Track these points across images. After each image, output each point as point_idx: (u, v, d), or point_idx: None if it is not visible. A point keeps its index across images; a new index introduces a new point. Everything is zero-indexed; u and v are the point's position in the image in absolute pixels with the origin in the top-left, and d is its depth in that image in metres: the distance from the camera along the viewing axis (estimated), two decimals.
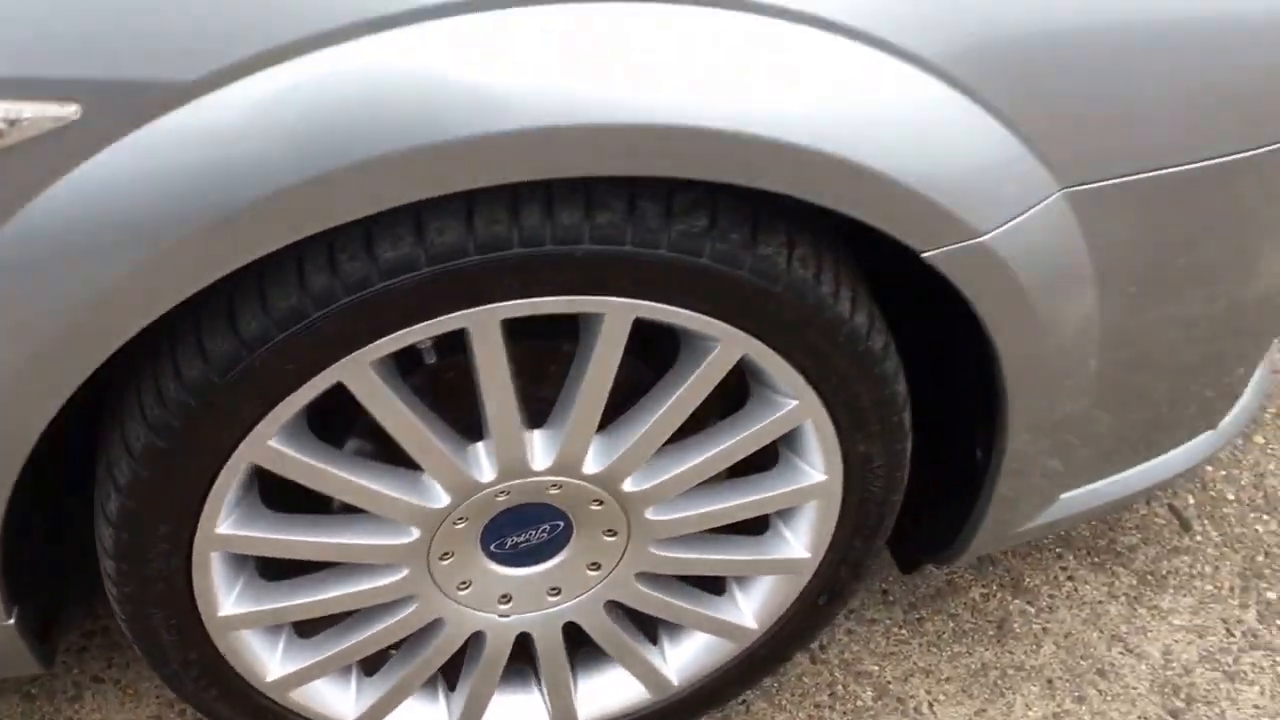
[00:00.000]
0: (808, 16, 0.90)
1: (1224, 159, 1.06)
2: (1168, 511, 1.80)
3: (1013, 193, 1.00)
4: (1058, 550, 1.74)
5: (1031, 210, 1.01)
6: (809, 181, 0.94)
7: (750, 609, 1.32)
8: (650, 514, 1.18)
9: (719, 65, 0.89)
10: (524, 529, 1.18)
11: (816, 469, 1.18)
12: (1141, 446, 1.37)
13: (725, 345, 1.05)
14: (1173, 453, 1.41)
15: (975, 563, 1.73)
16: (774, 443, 1.19)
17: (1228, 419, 1.47)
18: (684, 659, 1.36)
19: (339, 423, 1.13)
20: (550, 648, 1.29)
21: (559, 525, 1.19)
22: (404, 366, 1.06)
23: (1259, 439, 1.93)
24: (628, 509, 1.17)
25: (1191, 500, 1.83)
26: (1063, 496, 1.36)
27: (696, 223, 0.97)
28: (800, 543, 1.26)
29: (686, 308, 1.00)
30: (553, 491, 1.14)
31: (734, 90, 0.89)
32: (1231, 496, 1.84)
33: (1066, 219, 1.05)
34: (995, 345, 1.09)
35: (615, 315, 1.00)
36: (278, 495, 1.11)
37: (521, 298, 0.97)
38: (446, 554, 1.16)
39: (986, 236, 1.00)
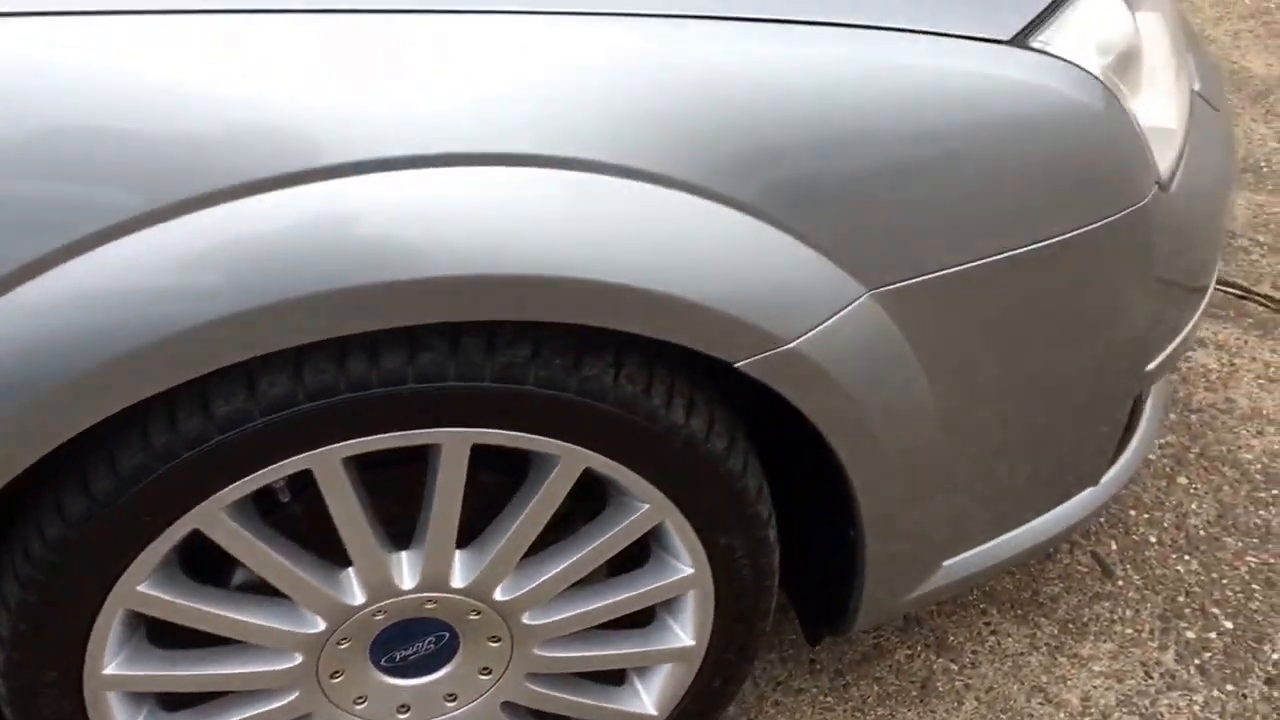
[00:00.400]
0: (603, 165, 0.97)
1: (1014, 253, 1.12)
2: (1090, 559, 1.84)
3: (816, 301, 1.06)
4: (981, 605, 1.78)
5: (839, 314, 1.07)
6: (615, 311, 1.00)
7: (650, 697, 1.37)
8: (528, 619, 1.23)
9: (526, 217, 0.96)
10: (410, 642, 1.24)
11: (684, 563, 1.23)
12: (1018, 510, 1.41)
13: (566, 460, 1.10)
14: (1056, 511, 1.46)
15: (902, 623, 1.76)
16: (646, 538, 1.24)
17: (1111, 472, 1.51)
18: None
19: (225, 555, 1.20)
20: None
21: (444, 636, 1.24)
22: (267, 503, 1.13)
23: (1182, 479, 1.96)
24: (505, 616, 1.22)
25: (1114, 545, 1.87)
26: (945, 564, 1.40)
27: (519, 353, 1.03)
28: (685, 631, 1.31)
29: (520, 430, 1.07)
30: (429, 606, 1.19)
31: (536, 238, 0.95)
32: (1154, 539, 1.87)
33: (880, 318, 1.10)
34: (828, 440, 1.15)
35: (451, 444, 1.06)
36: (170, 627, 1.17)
37: (356, 437, 1.03)
38: (337, 673, 1.22)
39: (794, 343, 1.05)
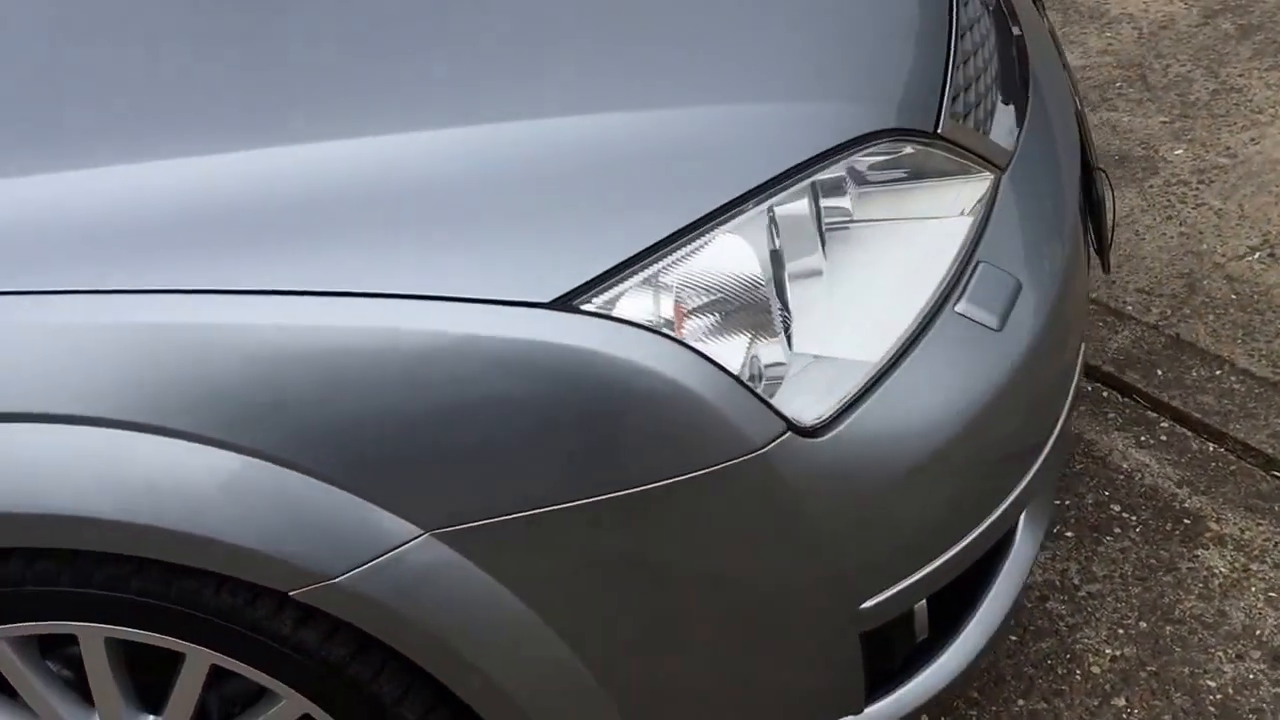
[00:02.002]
0: (146, 426, 1.14)
1: (585, 501, 1.17)
2: None
3: (361, 540, 1.16)
4: None
5: (391, 553, 1.16)
6: (169, 548, 1.17)
7: None
8: None
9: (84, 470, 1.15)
10: None
11: None
12: None
13: (191, 657, 1.27)
14: None
15: None
16: None
17: (882, 705, 1.44)
18: None
19: None
20: None
21: None
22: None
23: (1119, 700, 1.77)
24: None
25: None
26: None
27: (125, 565, 1.22)
28: None
29: (135, 626, 1.24)
30: None
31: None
32: None
33: (451, 557, 1.18)
34: (430, 671, 1.24)
35: (86, 636, 1.26)
36: None
37: (31, 621, 1.26)
38: None
39: (340, 578, 1.16)
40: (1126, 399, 2.25)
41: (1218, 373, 2.25)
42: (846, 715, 1.43)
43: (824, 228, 1.34)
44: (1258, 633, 1.82)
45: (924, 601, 1.44)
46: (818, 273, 1.31)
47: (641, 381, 1.15)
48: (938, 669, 1.49)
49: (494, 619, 1.22)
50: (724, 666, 1.34)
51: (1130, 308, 2.42)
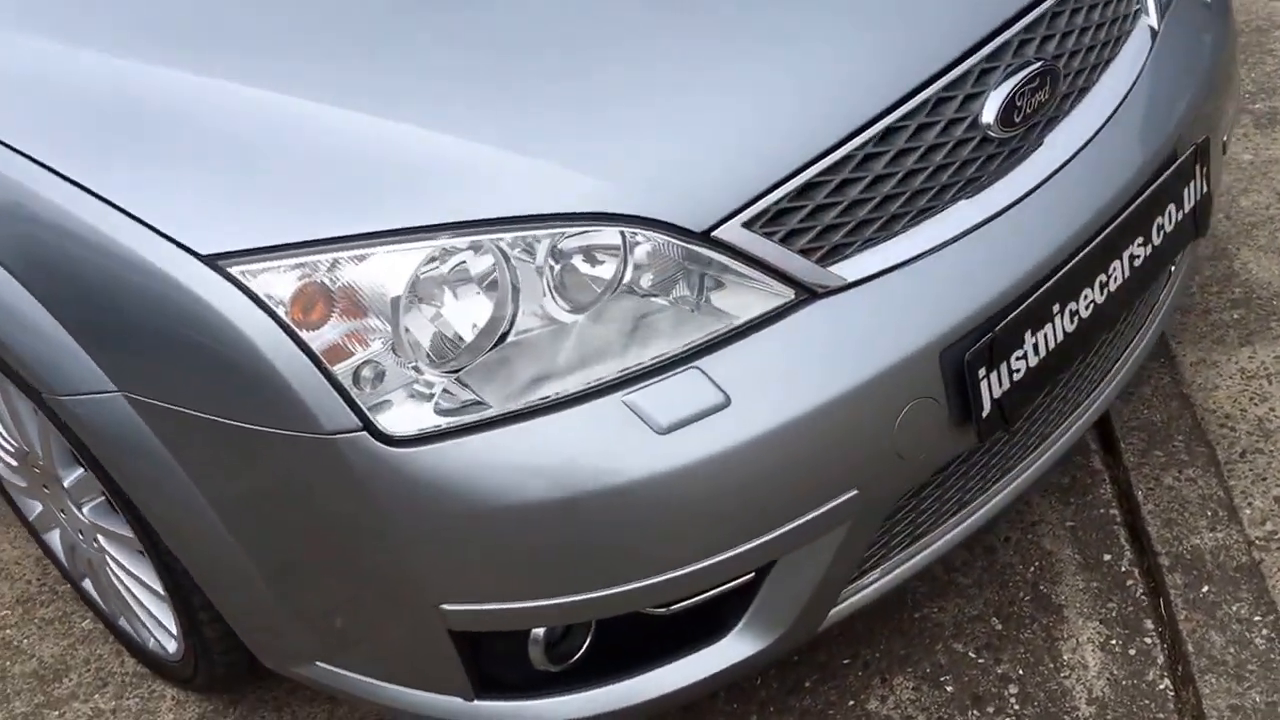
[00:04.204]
0: None
1: (201, 415, 1.47)
2: None
3: (79, 377, 1.55)
4: None
5: (96, 395, 1.54)
6: None
7: None
8: None
9: None
10: None
11: None
12: (356, 657, 1.64)
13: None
14: (414, 696, 1.61)
15: None
16: None
17: (495, 706, 1.58)
18: None
19: None
20: None
21: None
22: None
23: None
24: None
25: None
26: (319, 664, 1.67)
27: None
28: None
29: None
30: None
31: None
32: None
33: (132, 416, 1.54)
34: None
35: None
36: None
37: None
38: None
39: (61, 398, 1.55)
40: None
41: None
42: (455, 697, 1.61)
43: (554, 284, 1.45)
44: None
45: (539, 634, 1.56)
46: (496, 321, 1.43)
47: (241, 343, 1.41)
48: (555, 704, 1.60)
49: (156, 469, 1.57)
50: (335, 596, 1.58)
51: None
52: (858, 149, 1.54)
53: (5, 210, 1.57)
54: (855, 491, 1.53)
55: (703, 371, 1.46)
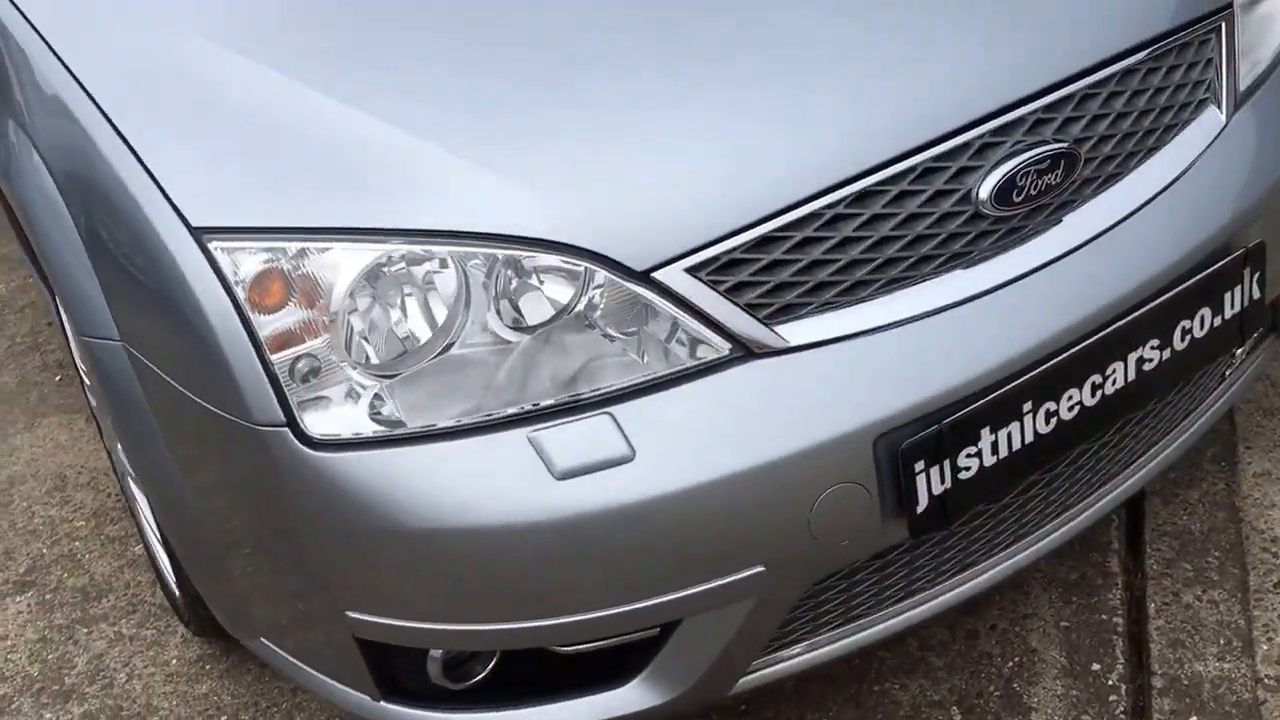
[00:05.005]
0: None
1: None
2: None
3: (94, 322, 1.65)
4: None
5: (103, 340, 1.64)
6: None
7: None
8: None
9: None
10: None
11: None
12: (277, 634, 1.69)
13: None
14: (331, 687, 1.66)
15: None
16: None
17: (401, 710, 1.60)
18: None
19: None
20: None
21: None
22: None
23: None
24: None
25: None
26: (261, 639, 1.74)
27: None
28: None
29: None
30: None
31: None
32: None
33: (126, 365, 1.62)
34: None
35: None
36: None
37: None
38: None
39: (86, 338, 1.67)
40: None
41: None
42: (365, 695, 1.64)
43: (503, 304, 1.45)
44: None
45: (437, 653, 1.57)
46: (415, 335, 1.45)
47: (203, 319, 1.46)
48: None
49: (141, 425, 1.66)
50: (266, 581, 1.65)
51: None
52: (826, 208, 1.48)
53: (71, 151, 1.66)
54: (761, 568, 1.48)
55: (614, 419, 1.44)
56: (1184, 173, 1.69)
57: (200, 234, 1.46)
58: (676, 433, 1.44)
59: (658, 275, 1.44)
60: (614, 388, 1.45)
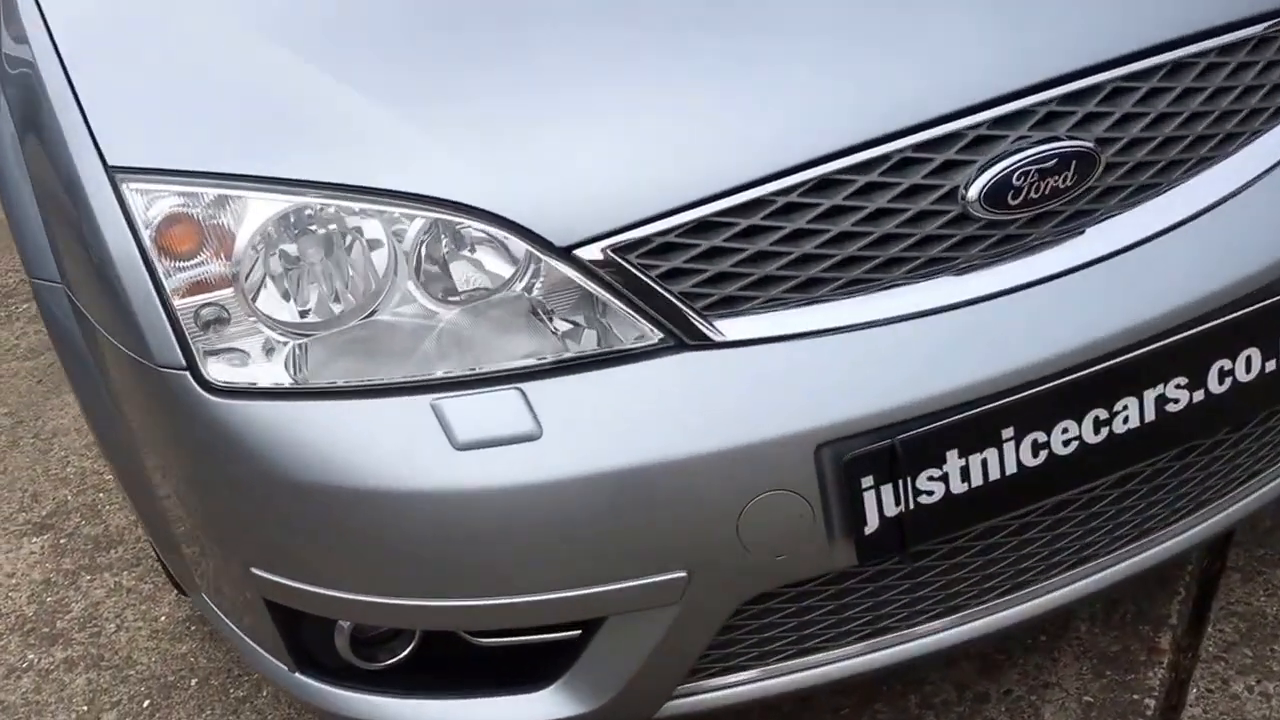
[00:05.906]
0: None
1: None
2: None
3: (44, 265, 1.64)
4: None
5: (50, 283, 1.63)
6: None
7: None
8: None
9: None
10: None
11: None
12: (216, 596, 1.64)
13: None
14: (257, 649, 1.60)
15: None
16: None
17: (313, 684, 1.53)
18: None
19: None
20: None
21: None
22: None
23: None
24: None
25: None
26: (202, 594, 1.69)
27: None
28: None
29: None
30: None
31: None
32: None
33: (67, 307, 1.59)
34: None
35: None
36: None
37: None
38: None
39: (35, 280, 1.66)
40: None
41: None
42: (281, 662, 1.57)
43: (427, 270, 1.38)
44: None
45: (344, 625, 1.49)
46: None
47: (106, 255, 1.44)
48: (366, 702, 1.53)
49: (83, 370, 1.65)
50: (188, 533, 1.60)
51: None
52: (777, 194, 1.34)
53: (26, 88, 1.66)
54: (683, 573, 1.35)
55: (523, 394, 1.34)
56: (1241, 189, 1.48)
57: (114, 172, 1.44)
58: (592, 416, 1.33)
59: (580, 253, 1.34)
60: (527, 364, 1.35)
